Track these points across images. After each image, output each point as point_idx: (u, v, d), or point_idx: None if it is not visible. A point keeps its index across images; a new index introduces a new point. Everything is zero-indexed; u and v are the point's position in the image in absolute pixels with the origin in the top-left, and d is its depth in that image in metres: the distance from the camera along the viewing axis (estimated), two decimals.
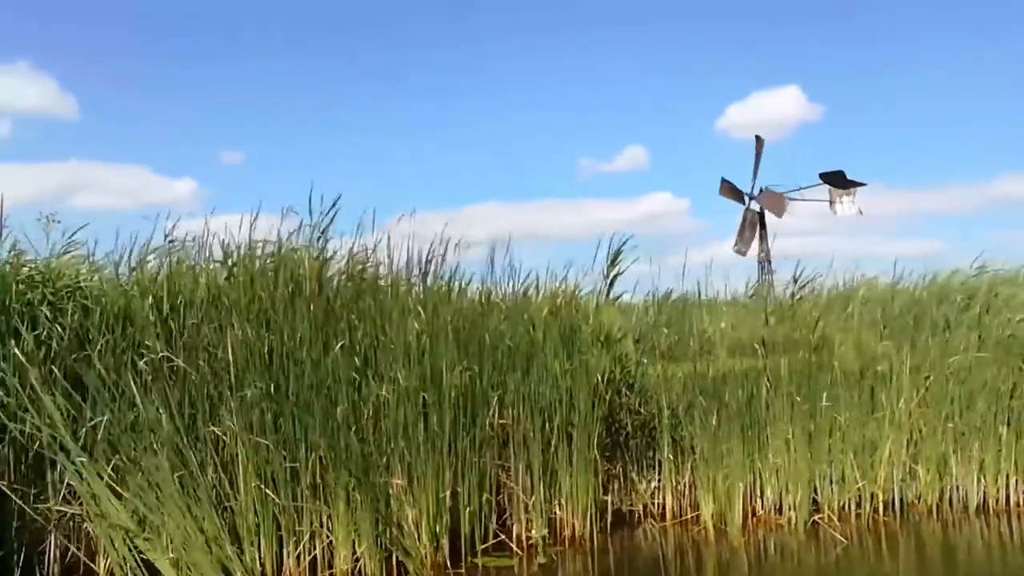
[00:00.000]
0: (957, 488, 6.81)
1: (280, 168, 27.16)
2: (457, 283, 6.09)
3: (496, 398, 5.66)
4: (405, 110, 30.47)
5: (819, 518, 6.39)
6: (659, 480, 6.59)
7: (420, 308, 5.40)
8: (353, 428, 4.93)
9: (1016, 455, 6.81)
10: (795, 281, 7.56)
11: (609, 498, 6.38)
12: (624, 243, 6.90)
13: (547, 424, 5.84)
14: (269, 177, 25.78)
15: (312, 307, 5.08)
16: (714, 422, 6.26)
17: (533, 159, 31.47)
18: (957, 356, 6.77)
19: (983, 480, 6.83)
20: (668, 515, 6.45)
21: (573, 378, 5.94)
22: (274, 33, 28.37)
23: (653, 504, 6.55)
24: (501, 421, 5.75)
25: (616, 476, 6.71)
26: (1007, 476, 6.84)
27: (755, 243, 22.73)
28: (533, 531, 5.72)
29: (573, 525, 5.91)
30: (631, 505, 6.57)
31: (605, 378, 6.50)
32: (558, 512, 5.93)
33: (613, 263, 6.86)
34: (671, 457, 6.46)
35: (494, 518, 5.70)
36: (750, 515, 6.38)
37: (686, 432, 6.39)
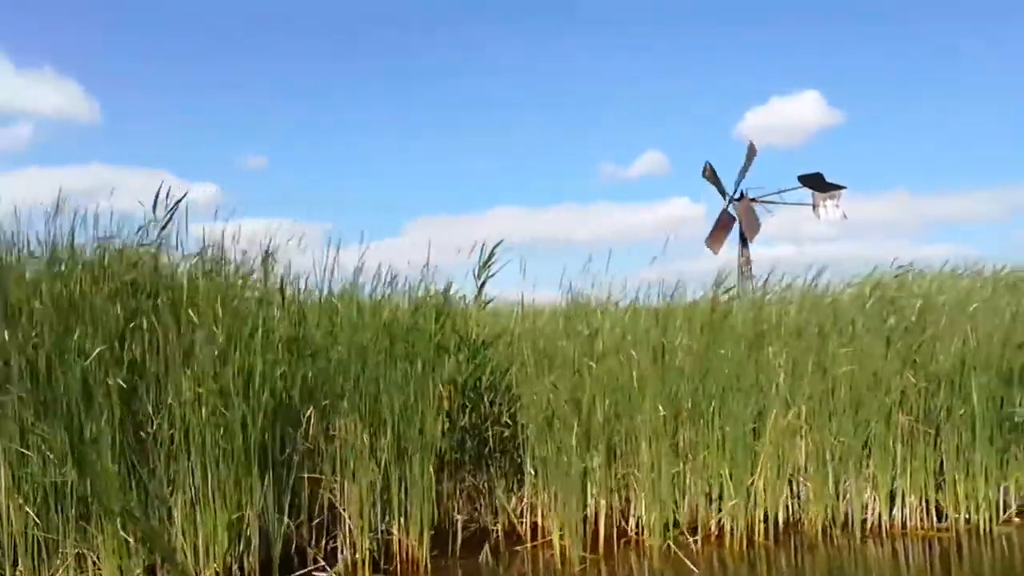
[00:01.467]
0: (848, 508, 6.29)
1: (303, 172, 27.14)
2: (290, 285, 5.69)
3: (320, 408, 5.23)
4: (428, 113, 30.31)
5: (691, 539, 5.91)
6: (524, 498, 6.13)
7: (219, 308, 4.93)
8: (121, 443, 4.48)
9: (912, 472, 6.28)
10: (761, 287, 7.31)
11: (464, 516, 5.94)
12: (497, 246, 6.43)
13: (383, 436, 5.39)
14: (292, 181, 25.76)
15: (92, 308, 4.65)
16: (574, 435, 5.78)
17: (552, 164, 31.19)
18: (851, 367, 6.27)
19: (876, 499, 6.31)
20: (528, 536, 5.97)
21: (417, 387, 5.49)
22: (296, 36, 28.28)
23: (520, 523, 6.08)
24: (332, 433, 5.33)
25: (482, 492, 6.26)
26: (903, 495, 6.31)
27: (737, 247, 22.32)
28: (358, 554, 5.26)
29: (409, 547, 5.44)
30: (494, 524, 6.10)
31: (465, 386, 6.08)
32: (395, 533, 5.47)
33: (485, 266, 6.39)
34: (532, 472, 5.99)
35: (314, 539, 5.25)
36: (614, 537, 5.90)
37: (550, 446, 5.91)
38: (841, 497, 6.26)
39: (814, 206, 22.62)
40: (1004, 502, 6.53)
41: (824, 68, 30.21)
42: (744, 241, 22.13)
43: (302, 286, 5.88)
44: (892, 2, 28.07)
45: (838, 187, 21.14)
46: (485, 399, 6.15)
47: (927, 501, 6.33)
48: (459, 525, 5.84)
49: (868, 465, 6.29)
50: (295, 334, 5.41)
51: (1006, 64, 28.93)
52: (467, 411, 6.09)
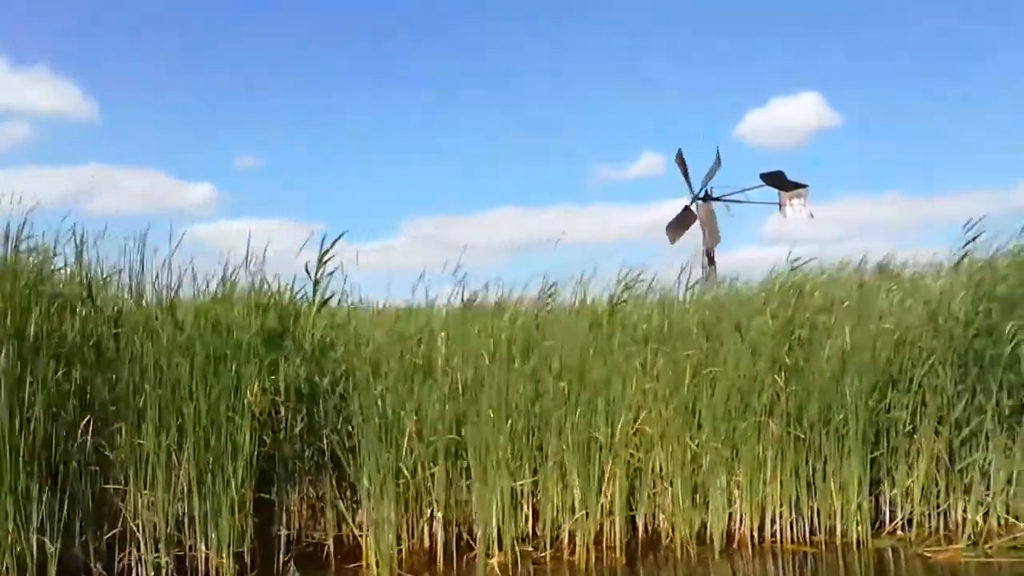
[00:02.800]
0: (714, 520, 5.86)
1: (300, 172, 26.94)
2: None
3: (114, 415, 4.84)
4: (423, 115, 30.06)
5: (541, 554, 5.50)
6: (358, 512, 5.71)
7: None
8: None
9: (783, 479, 5.86)
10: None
11: (292, 531, 5.54)
12: (336, 241, 6.01)
13: (186, 444, 4.98)
14: (288, 181, 25.53)
15: None
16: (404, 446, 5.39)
17: (550, 165, 30.92)
18: (714, 368, 5.86)
19: (744, 510, 5.89)
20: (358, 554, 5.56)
21: (226, 392, 5.09)
22: (293, 37, 28.03)
23: (349, 539, 5.66)
24: (136, 442, 4.93)
25: (321, 506, 5.84)
26: (773, 506, 5.89)
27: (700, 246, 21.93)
28: (152, 571, 4.86)
29: (215, 564, 5.03)
30: (325, 540, 5.68)
31: (300, 392, 5.68)
32: (203, 548, 5.06)
33: (321, 262, 5.98)
34: (367, 485, 5.56)
35: (106, 557, 4.85)
36: (455, 553, 5.50)
37: (380, 457, 5.49)
38: (707, 508, 5.84)
39: (780, 205, 22.30)
40: (890, 512, 6.13)
41: (824, 70, 29.91)
42: (710, 257, 21.77)
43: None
44: (892, 4, 27.68)
45: (800, 185, 20.78)
46: (322, 405, 5.72)
47: (799, 512, 5.91)
48: (283, 541, 5.41)
49: (736, 474, 5.87)
50: (92, 334, 5.01)
51: (1006, 65, 28.55)
52: (301, 417, 5.67)
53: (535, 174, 29.67)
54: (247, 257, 5.61)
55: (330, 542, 5.55)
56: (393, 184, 27.81)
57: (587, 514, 5.53)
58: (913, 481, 6.11)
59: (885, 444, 6.08)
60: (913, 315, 6.35)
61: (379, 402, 5.43)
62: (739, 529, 5.88)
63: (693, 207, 22.02)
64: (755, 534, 5.86)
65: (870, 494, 6.14)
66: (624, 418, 5.60)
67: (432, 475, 5.50)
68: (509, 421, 5.56)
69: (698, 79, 29.93)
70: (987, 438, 6.07)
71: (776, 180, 21.01)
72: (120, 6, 25.72)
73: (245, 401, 5.11)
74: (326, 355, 5.81)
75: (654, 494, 5.84)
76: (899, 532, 6.04)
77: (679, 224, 22.24)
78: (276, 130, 28.74)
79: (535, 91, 30.13)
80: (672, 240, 22.27)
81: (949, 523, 6.08)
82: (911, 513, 6.10)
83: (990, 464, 6.07)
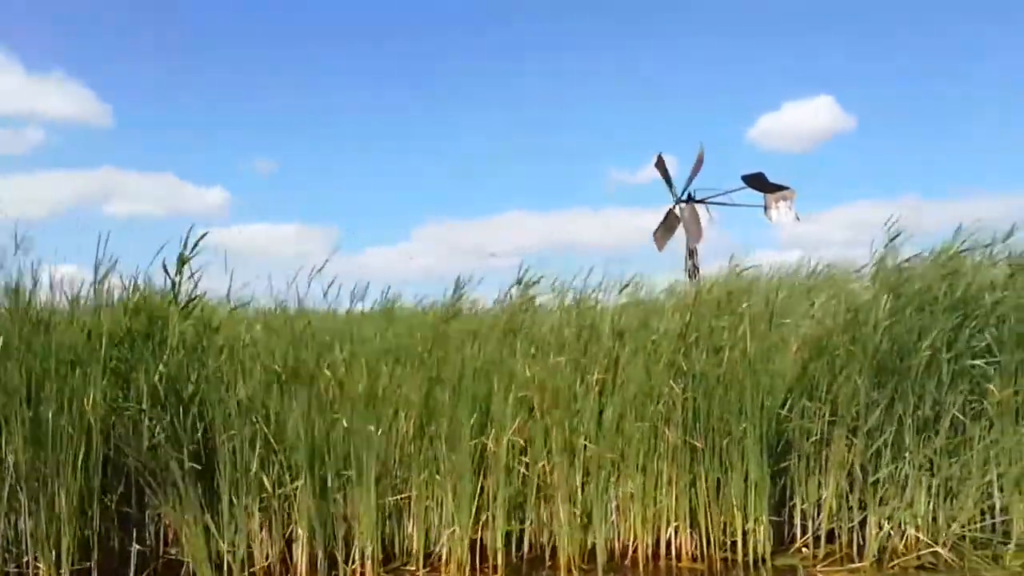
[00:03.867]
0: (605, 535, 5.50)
1: (312, 176, 26.87)
2: None
3: None
4: (440, 117, 29.82)
5: (415, 572, 5.17)
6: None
7: None
8: None
9: (677, 493, 5.50)
10: None
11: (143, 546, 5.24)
12: (199, 240, 5.68)
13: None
14: (301, 185, 25.49)
15: None
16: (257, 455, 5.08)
17: (564, 169, 30.65)
18: (602, 375, 5.51)
19: (635, 526, 5.53)
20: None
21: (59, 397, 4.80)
22: (307, 42, 28.00)
23: (212, 556, 5.33)
24: None
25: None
26: (668, 520, 5.53)
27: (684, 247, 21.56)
28: None
29: None
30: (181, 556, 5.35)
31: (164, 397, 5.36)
32: (39, 564, 4.76)
33: (182, 262, 5.64)
34: (226, 498, 5.24)
35: None
36: (325, 571, 5.18)
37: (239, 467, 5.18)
38: (598, 522, 5.48)
39: (765, 208, 21.89)
40: (801, 527, 5.76)
41: (838, 73, 29.41)
42: (691, 254, 21.39)
43: None
44: (906, 5, 27.14)
45: (782, 187, 20.35)
46: (185, 412, 5.40)
47: (697, 527, 5.54)
48: (135, 557, 5.10)
49: (629, 486, 5.52)
50: None
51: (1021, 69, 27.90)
52: (163, 427, 5.35)
53: (546, 177, 29.39)
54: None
55: (188, 559, 5.23)
56: (405, 187, 27.66)
57: (460, 529, 5.19)
58: (824, 494, 5.74)
59: (796, 455, 5.73)
60: (828, 321, 5.98)
61: (238, 409, 5.12)
62: (632, 545, 5.51)
63: (676, 210, 21.67)
64: (649, 551, 5.50)
65: (781, 507, 5.80)
66: (509, 427, 5.25)
67: (296, 489, 5.17)
68: (393, 430, 5.26)
69: (711, 82, 29.56)
70: (901, 450, 5.70)
71: (757, 182, 20.62)
72: (134, 12, 25.81)
73: (82, 410, 4.80)
74: (192, 360, 5.49)
75: (540, 508, 5.48)
76: (805, 549, 5.65)
77: (665, 228, 21.92)
78: (289, 134, 28.72)
79: (545, 94, 29.88)
80: (660, 246, 21.94)
81: (863, 539, 5.69)
82: (820, 528, 5.72)
83: (906, 477, 5.70)
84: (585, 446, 5.44)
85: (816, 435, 5.70)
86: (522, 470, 5.41)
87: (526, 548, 5.50)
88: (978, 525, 5.66)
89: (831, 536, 5.69)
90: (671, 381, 5.50)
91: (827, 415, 5.72)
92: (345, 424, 5.18)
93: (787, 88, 32.71)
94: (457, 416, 5.26)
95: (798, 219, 21.47)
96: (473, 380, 5.37)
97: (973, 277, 6.34)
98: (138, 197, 27.07)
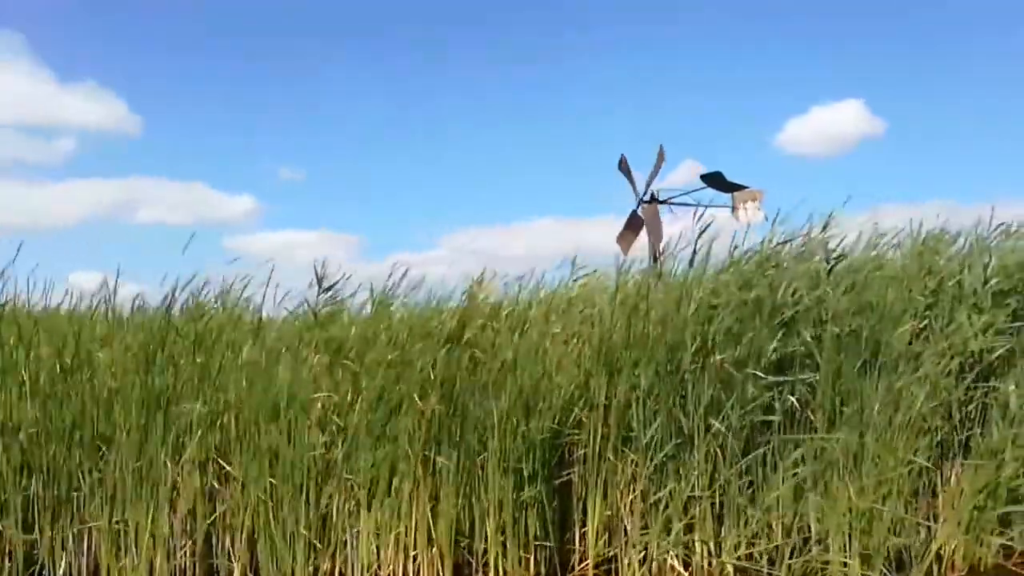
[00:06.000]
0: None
1: (340, 184, 27.03)
2: None
3: None
4: (468, 124, 29.71)
5: None
6: None
7: None
8: None
9: (416, 510, 4.99)
10: None
11: None
12: None
13: None
14: (329, 193, 25.63)
15: None
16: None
17: (592, 175, 30.27)
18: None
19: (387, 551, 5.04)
20: None
21: None
22: (333, 50, 28.17)
23: None
24: None
25: None
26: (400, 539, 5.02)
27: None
28: None
29: None
30: None
31: None
32: None
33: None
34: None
35: None
36: None
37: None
38: (337, 548, 5.01)
39: (733, 208, 21.22)
40: (580, 552, 5.23)
41: (867, 75, 28.45)
42: (655, 256, 20.78)
43: None
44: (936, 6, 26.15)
45: (740, 186, 19.64)
46: None
47: (442, 555, 5.03)
48: None
49: (375, 509, 5.03)
50: None
51: None
52: None
53: (574, 185, 28.97)
54: None
55: None
56: (434, 196, 27.48)
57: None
58: (608, 515, 5.22)
59: (578, 473, 5.22)
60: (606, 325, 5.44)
61: None
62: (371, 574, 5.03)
63: (639, 211, 21.08)
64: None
65: (562, 531, 5.30)
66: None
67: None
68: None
69: (738, 86, 28.87)
70: (687, 466, 5.16)
71: (715, 181, 19.91)
72: (166, 23, 26.20)
73: None
74: None
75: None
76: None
77: (628, 229, 21.31)
78: (316, 141, 28.82)
79: (570, 98, 29.47)
80: (625, 250, 21.28)
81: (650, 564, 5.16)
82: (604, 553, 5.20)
83: (693, 496, 5.15)
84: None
85: (585, 449, 5.18)
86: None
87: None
88: (764, 547, 5.08)
89: (614, 559, 5.17)
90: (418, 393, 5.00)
91: (599, 428, 5.20)
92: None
93: (815, 92, 31.72)
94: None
95: (766, 219, 20.82)
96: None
97: (791, 274, 5.78)
98: (168, 205, 27.52)
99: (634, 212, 21.14)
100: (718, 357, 5.26)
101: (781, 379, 5.26)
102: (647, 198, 21.04)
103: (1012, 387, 5.29)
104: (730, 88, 28.10)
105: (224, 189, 30.96)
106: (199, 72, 27.02)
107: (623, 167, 21.06)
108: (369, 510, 4.91)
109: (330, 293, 5.88)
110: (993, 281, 5.59)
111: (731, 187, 20.24)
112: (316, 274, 5.86)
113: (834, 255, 5.85)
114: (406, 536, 4.92)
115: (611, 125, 28.52)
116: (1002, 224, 6.58)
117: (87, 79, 28.48)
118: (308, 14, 27.00)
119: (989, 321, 5.56)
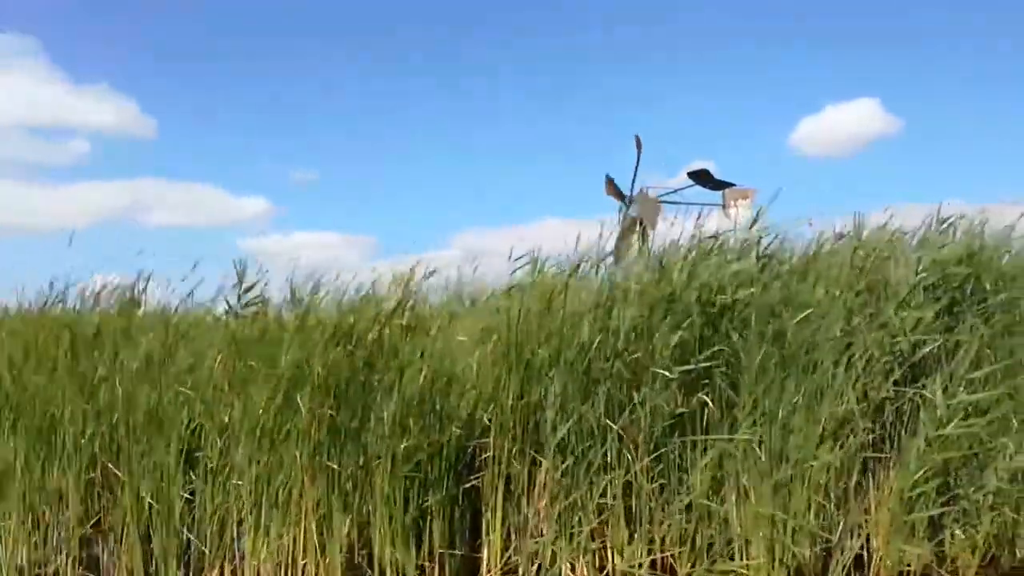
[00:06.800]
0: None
1: (352, 186, 27.17)
2: None
3: None
4: (471, 128, 29.72)
5: None
6: None
7: None
8: None
9: (305, 518, 4.81)
10: None
11: None
12: None
13: None
14: (341, 195, 25.77)
15: None
16: None
17: (601, 175, 30.18)
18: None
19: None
20: None
21: None
22: (345, 51, 28.36)
23: None
24: None
25: None
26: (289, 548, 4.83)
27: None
28: None
29: None
30: None
31: None
32: None
33: None
34: None
35: None
36: None
37: None
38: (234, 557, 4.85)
39: (724, 206, 20.92)
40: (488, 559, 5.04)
41: (881, 74, 28.03)
42: (644, 235, 20.50)
43: None
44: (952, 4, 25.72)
45: (726, 183, 19.32)
46: None
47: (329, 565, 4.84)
48: None
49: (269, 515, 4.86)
50: None
51: None
52: None
53: (584, 185, 28.82)
54: None
55: None
56: (444, 196, 27.45)
57: None
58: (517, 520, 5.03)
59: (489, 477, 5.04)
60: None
61: None
62: None
63: (631, 211, 20.81)
64: None
65: (473, 538, 5.12)
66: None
67: None
68: None
69: (749, 85, 28.56)
70: (600, 469, 4.97)
71: (702, 178, 19.65)
72: (176, 23, 26.53)
73: None
74: None
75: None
76: None
77: (623, 237, 21.01)
78: (330, 144, 28.94)
79: (584, 102, 29.36)
80: (619, 257, 20.96)
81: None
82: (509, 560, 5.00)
83: (604, 502, 4.97)
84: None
85: (491, 452, 4.99)
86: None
87: None
88: (676, 552, 4.88)
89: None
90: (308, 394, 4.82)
91: (507, 430, 5.01)
92: None
93: (829, 91, 31.26)
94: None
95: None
96: None
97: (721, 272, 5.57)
98: (181, 207, 27.76)
99: (625, 215, 20.95)
100: (631, 356, 5.08)
101: (693, 376, 5.06)
102: (635, 192, 20.93)
103: (938, 386, 5.03)
104: (742, 88, 27.76)
105: (236, 191, 31.20)
106: (209, 73, 27.27)
107: (609, 190, 20.80)
108: (259, 516, 4.73)
109: (251, 294, 5.74)
110: (920, 276, 5.34)
111: (719, 184, 19.91)
112: (236, 273, 5.73)
113: (764, 252, 5.65)
114: (295, 545, 4.73)
115: (619, 125, 28.26)
116: (948, 219, 6.38)
117: (100, 81, 28.86)
118: (315, 14, 27.14)
119: (918, 318, 5.33)
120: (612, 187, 20.33)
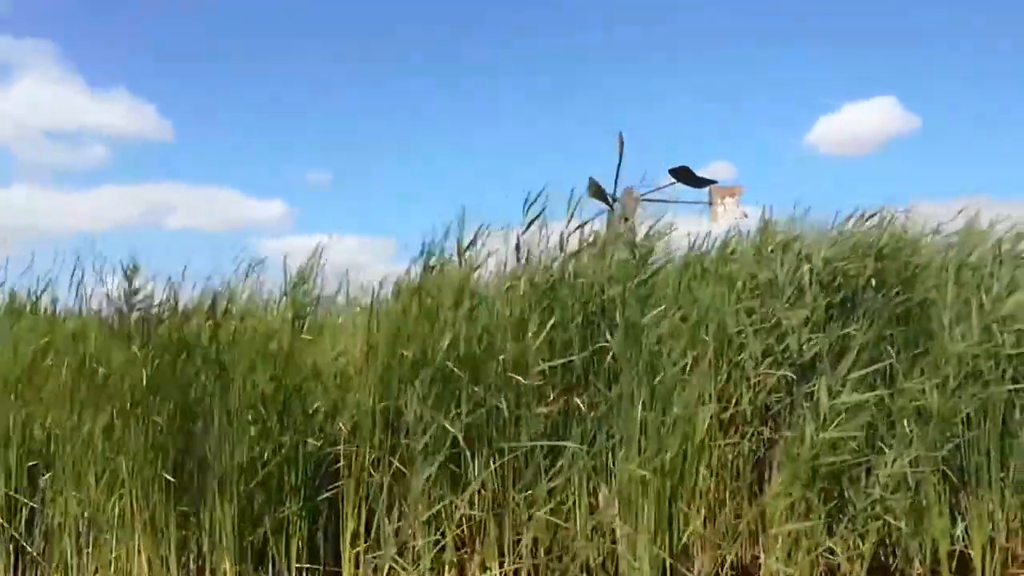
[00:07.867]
0: None
1: (370, 188, 27.13)
2: None
3: None
4: (490, 127, 29.61)
5: None
6: None
7: None
8: None
9: (135, 532, 4.52)
10: None
11: None
12: None
13: None
14: (359, 196, 25.70)
15: None
16: None
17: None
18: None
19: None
20: None
21: None
22: (359, 53, 28.32)
23: None
24: None
25: None
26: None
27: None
28: None
29: None
30: None
31: None
32: None
33: None
34: None
35: None
36: None
37: None
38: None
39: (710, 203, 20.76)
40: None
41: (901, 72, 27.82)
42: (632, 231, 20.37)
43: None
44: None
45: (709, 181, 19.18)
46: None
47: None
48: None
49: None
50: None
51: None
52: None
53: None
54: None
55: None
56: (457, 197, 27.31)
57: None
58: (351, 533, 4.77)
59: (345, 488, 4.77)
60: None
61: None
62: None
63: (616, 209, 20.66)
64: None
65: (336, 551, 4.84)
66: None
67: None
68: None
69: (766, 84, 28.35)
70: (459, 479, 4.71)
71: (683, 175, 19.47)
72: (191, 26, 26.50)
73: None
74: None
75: None
76: None
77: (611, 239, 20.87)
78: (347, 145, 28.90)
79: (580, 99, 29.23)
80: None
81: None
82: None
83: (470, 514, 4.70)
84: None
85: (349, 461, 4.73)
86: None
87: None
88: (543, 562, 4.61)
89: None
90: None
91: (367, 438, 4.74)
92: None
93: (848, 89, 31.03)
94: None
95: (746, 216, 20.34)
96: None
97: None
98: (199, 211, 27.69)
99: (609, 216, 20.76)
100: (502, 358, 4.82)
101: (568, 379, 4.81)
102: (619, 193, 20.74)
103: (823, 386, 4.76)
104: (751, 88, 27.53)
105: (254, 193, 31.18)
106: (215, 73, 27.24)
107: (593, 192, 20.64)
108: (87, 530, 4.45)
109: (139, 296, 5.47)
110: (804, 269, 5.10)
111: (701, 182, 19.72)
112: (124, 273, 5.46)
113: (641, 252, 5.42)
114: (128, 560, 4.45)
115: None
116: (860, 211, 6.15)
117: (118, 85, 28.90)
118: (322, 14, 27.12)
119: (806, 316, 5.08)
120: (596, 189, 20.23)
